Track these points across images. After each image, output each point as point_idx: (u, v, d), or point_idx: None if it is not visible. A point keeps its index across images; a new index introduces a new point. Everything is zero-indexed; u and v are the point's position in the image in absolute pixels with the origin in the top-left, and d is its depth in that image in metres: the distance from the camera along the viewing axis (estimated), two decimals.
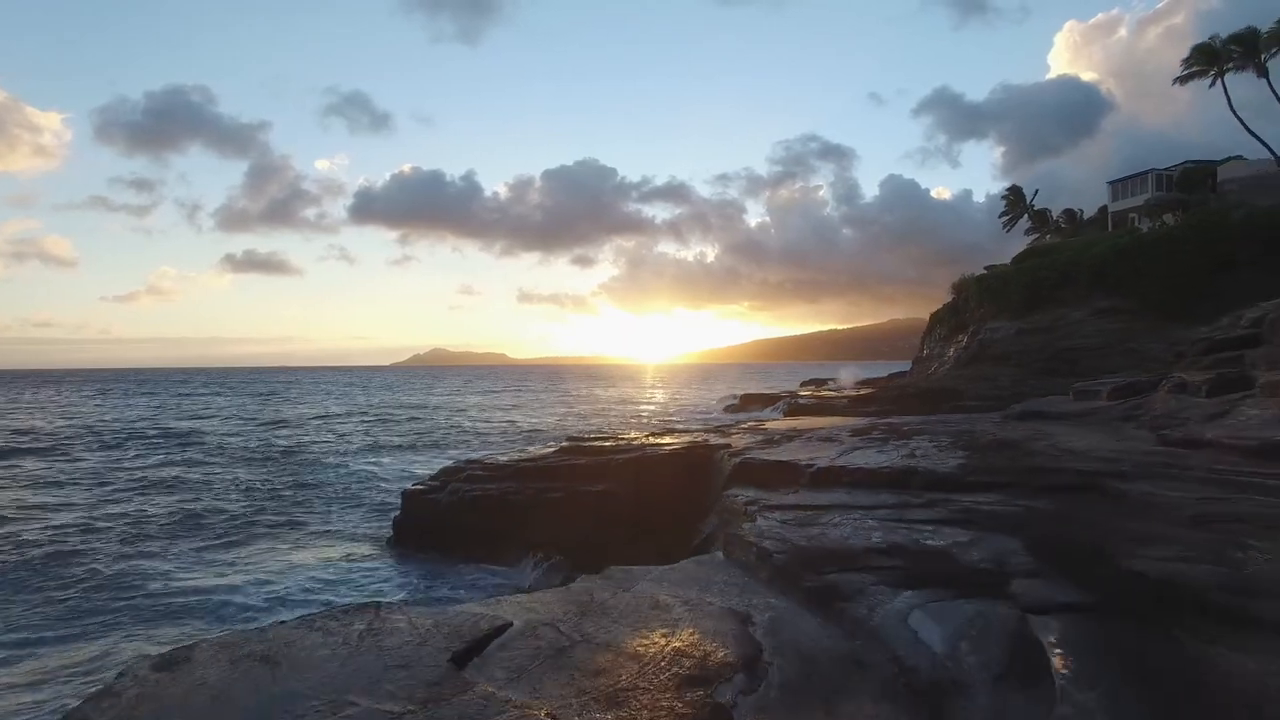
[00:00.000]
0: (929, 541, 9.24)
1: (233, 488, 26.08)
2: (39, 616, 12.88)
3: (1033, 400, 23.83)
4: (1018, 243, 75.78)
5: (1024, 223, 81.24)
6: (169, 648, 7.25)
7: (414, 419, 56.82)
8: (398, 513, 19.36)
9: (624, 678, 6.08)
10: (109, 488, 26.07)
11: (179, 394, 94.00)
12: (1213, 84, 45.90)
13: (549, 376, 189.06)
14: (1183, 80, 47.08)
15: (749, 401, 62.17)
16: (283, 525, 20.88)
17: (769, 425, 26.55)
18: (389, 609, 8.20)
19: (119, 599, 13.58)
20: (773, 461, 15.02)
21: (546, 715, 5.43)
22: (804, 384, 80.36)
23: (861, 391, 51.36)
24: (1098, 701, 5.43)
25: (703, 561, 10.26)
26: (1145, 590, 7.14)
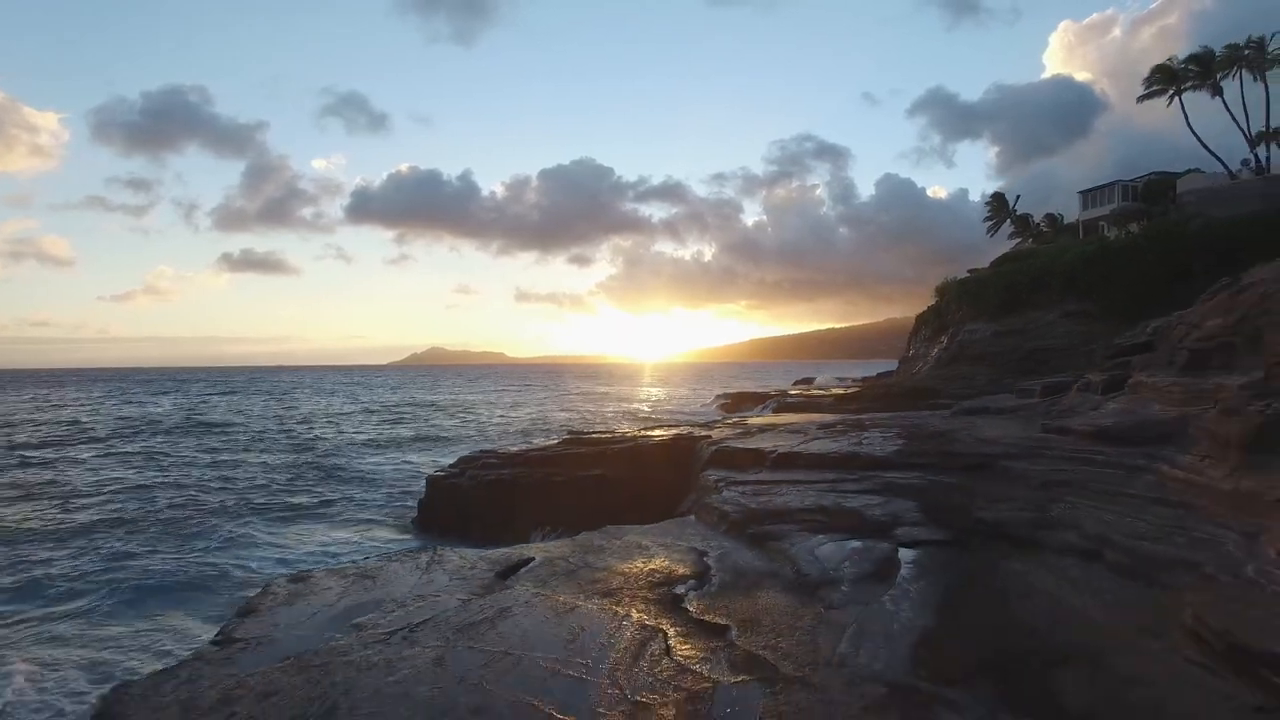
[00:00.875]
0: (848, 504, 12.19)
1: (267, 477, 28.98)
2: (168, 558, 15.87)
3: (984, 398, 26.79)
4: (1011, 243, 78.61)
5: (1007, 227, 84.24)
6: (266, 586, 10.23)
7: (423, 416, 59.74)
8: (422, 495, 22.25)
9: (614, 583, 9.05)
10: (171, 473, 29.03)
11: (198, 394, 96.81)
12: (1170, 103, 48.84)
13: (548, 376, 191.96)
14: (1143, 99, 50.03)
15: (741, 400, 64.99)
16: (319, 509, 23.76)
17: (751, 420, 29.53)
18: (443, 549, 11.19)
19: (209, 560, 16.45)
20: (743, 449, 17.96)
21: (561, 599, 8.41)
22: (796, 383, 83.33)
23: (848, 390, 54.27)
24: (920, 587, 8.42)
25: (677, 521, 13.23)
26: (983, 531, 10.14)
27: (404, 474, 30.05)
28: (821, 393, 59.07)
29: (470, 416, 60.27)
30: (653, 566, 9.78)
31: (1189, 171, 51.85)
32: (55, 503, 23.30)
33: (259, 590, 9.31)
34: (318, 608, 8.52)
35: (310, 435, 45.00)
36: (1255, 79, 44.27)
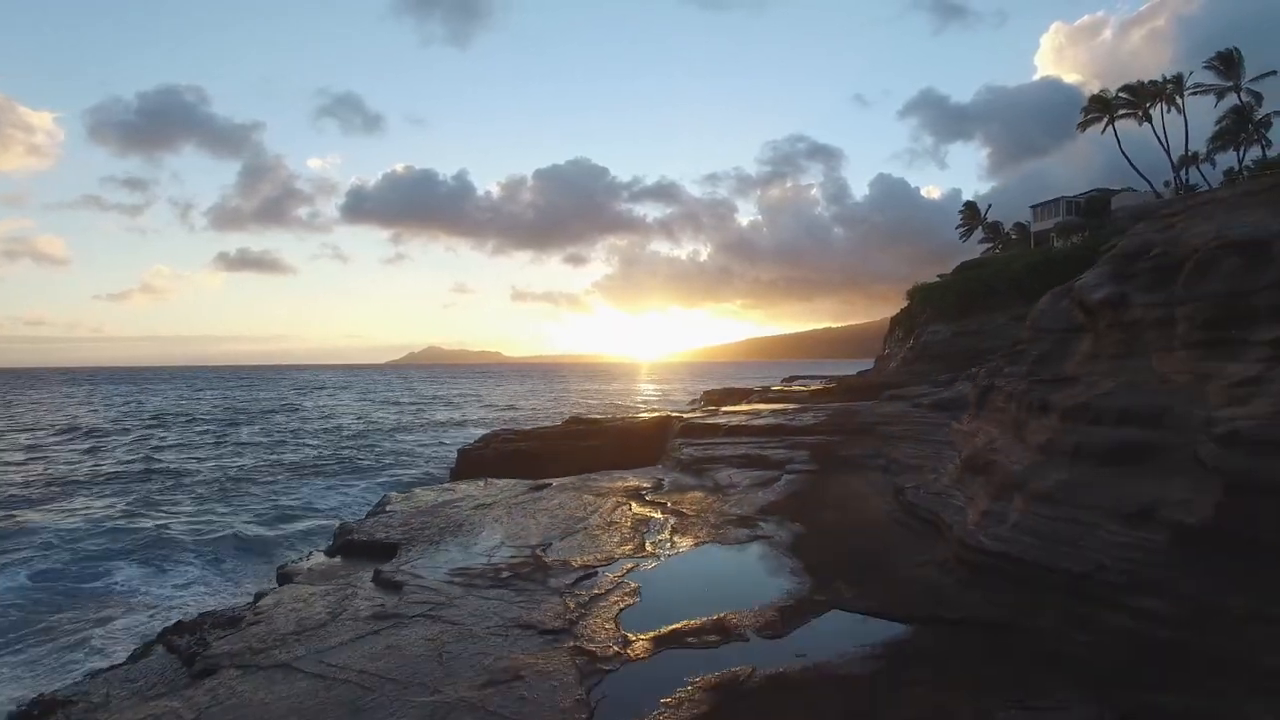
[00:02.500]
0: (763, 453, 18.08)
1: (329, 452, 34.83)
2: (268, 505, 21.67)
3: (908, 389, 32.63)
4: (982, 249, 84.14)
5: (979, 233, 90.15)
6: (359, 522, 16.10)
7: (438, 407, 65.68)
8: (453, 464, 28.02)
9: (604, 490, 14.97)
10: (256, 451, 34.86)
11: (221, 390, 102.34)
12: (1104, 130, 54.72)
13: (547, 374, 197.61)
14: (1082, 126, 55.91)
15: (727, 395, 70.77)
16: (380, 470, 29.61)
17: (723, 408, 35.32)
18: (491, 479, 17.04)
19: (292, 510, 22.20)
20: (704, 423, 23.87)
21: (573, 496, 14.28)
22: (785, 380, 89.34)
23: (824, 386, 60.10)
24: (782, 488, 14.29)
25: (650, 467, 19.12)
26: (839, 463, 16.01)
27: (435, 450, 35.88)
28: (800, 389, 65.05)
29: (480, 408, 66.13)
30: (628, 484, 15.68)
31: (1123, 190, 57.82)
32: (220, 471, 29.05)
33: (380, 499, 15.20)
34: (423, 501, 14.40)
35: (349, 422, 50.84)
36: (1169, 110, 50.16)
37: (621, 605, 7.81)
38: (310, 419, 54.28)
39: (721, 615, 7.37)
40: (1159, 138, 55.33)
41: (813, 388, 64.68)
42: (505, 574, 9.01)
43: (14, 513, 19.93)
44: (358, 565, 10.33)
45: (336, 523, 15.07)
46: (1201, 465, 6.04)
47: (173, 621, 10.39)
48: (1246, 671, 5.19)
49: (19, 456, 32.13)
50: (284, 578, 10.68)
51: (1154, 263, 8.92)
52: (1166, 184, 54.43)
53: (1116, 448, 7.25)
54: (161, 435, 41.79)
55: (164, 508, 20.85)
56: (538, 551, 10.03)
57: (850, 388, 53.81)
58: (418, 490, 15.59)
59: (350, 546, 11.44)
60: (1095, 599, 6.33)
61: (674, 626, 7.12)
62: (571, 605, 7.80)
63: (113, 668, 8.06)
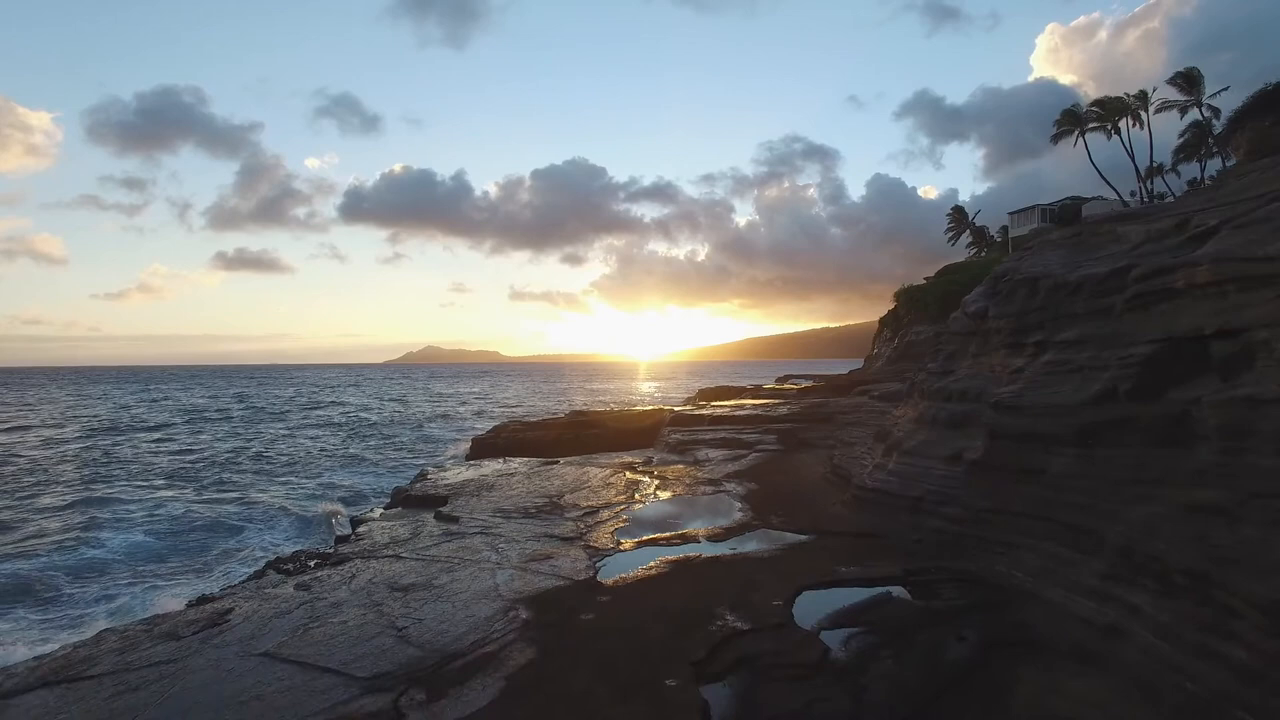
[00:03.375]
0: (738, 437, 21.44)
1: (354, 441, 38.21)
2: (318, 483, 24.99)
3: (876, 385, 35.99)
4: (968, 252, 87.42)
5: (966, 237, 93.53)
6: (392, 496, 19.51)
7: (451, 403, 69.15)
8: (468, 449, 31.34)
9: (603, 465, 18.40)
10: (304, 441, 38.21)
11: (232, 389, 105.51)
12: (1075, 143, 58.19)
13: (547, 373, 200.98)
14: (1055, 139, 59.37)
15: (721, 393, 74.27)
16: (399, 457, 32.97)
17: (715, 400, 38.66)
18: (508, 458, 20.39)
19: (341, 485, 25.53)
20: (692, 414, 27.25)
21: (579, 468, 17.66)
22: (778, 379, 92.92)
23: (812, 384, 63.52)
24: (749, 462, 17.65)
25: (643, 449, 22.47)
26: (801, 444, 19.36)
27: (453, 438, 39.32)
28: (790, 386, 68.46)
29: (487, 404, 69.56)
30: (624, 461, 19.06)
31: (1094, 198, 61.24)
32: (293, 450, 32.40)
33: (417, 472, 18.55)
34: (455, 472, 17.76)
35: (367, 417, 54.27)
36: (1134, 124, 53.68)
37: (616, 526, 11.18)
38: (334, 414, 57.62)
39: (684, 531, 10.76)
40: (1126, 150, 58.94)
41: (802, 385, 68.24)
42: (532, 511, 12.39)
43: (112, 490, 23.24)
44: (417, 512, 13.69)
45: (385, 495, 18.43)
46: (983, 423, 9.42)
47: (273, 556, 13.73)
48: (996, 546, 8.55)
49: (78, 448, 35.39)
50: (357, 522, 14.04)
51: (1005, 286, 12.32)
52: (1132, 194, 57.95)
53: (951, 416, 10.64)
54: (209, 429, 45.14)
55: (235, 487, 24.11)
56: (554, 499, 13.42)
57: (836, 386, 57.33)
58: (448, 465, 18.96)
59: (408, 500, 14.81)
60: (923, 512, 9.72)
61: (651, 536, 10.50)
62: (581, 526, 11.17)
63: (241, 583, 11.22)
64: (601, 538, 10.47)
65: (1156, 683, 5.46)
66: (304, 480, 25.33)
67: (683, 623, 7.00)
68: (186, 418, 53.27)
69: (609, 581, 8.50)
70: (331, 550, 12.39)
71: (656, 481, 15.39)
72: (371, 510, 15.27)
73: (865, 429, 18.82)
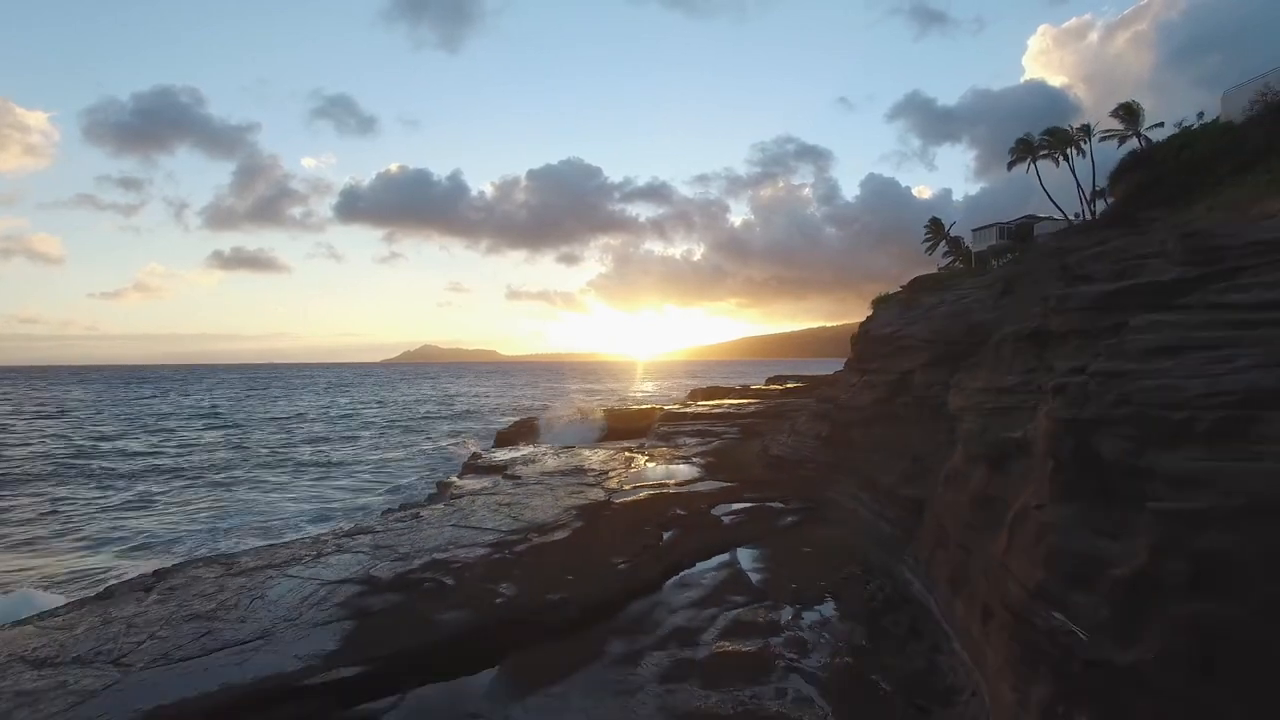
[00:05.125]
0: (710, 429, 28.35)
1: (404, 430, 45.03)
2: (325, 469, 31.81)
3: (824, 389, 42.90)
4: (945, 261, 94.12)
5: (943, 247, 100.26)
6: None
7: (467, 400, 76.16)
8: (493, 441, 38.24)
9: (609, 449, 25.24)
10: (356, 430, 44.91)
11: (265, 386, 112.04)
12: (1028, 170, 65.15)
13: (546, 372, 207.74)
14: (1010, 165, 66.33)
15: (713, 393, 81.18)
16: (440, 443, 39.78)
17: (705, 399, 45.52)
18: (536, 445, 27.31)
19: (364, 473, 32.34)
20: (679, 411, 34.19)
21: (594, 449, 24.61)
22: (768, 379, 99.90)
23: (800, 385, 70.36)
24: (714, 447, 24.56)
25: (638, 440, 29.43)
26: (757, 433, 26.23)
27: (481, 430, 46.18)
28: (775, 387, 75.26)
29: (498, 400, 76.52)
30: (624, 446, 25.99)
31: (1046, 218, 68.24)
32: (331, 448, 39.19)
33: (470, 454, 25.46)
34: (502, 455, 24.63)
35: (390, 414, 61.12)
36: (1077, 154, 60.67)
37: (619, 480, 18.09)
38: (365, 412, 64.50)
39: (661, 482, 17.70)
40: (1074, 175, 66.01)
41: (788, 385, 74.90)
42: (565, 472, 19.31)
43: (255, 476, 30.16)
44: (486, 475, 20.54)
45: (456, 468, 25.38)
46: (829, 416, 16.40)
47: (385, 509, 20.64)
48: (828, 484, 15.43)
49: (176, 446, 42.19)
50: (443, 485, 20.87)
51: (862, 333, 19.22)
52: (1076, 215, 65.10)
53: (817, 411, 17.56)
54: (265, 430, 52.07)
55: (326, 476, 31.00)
56: (578, 467, 20.32)
57: (814, 386, 63.80)
58: (494, 448, 25.85)
59: (476, 469, 21.71)
60: (799, 466, 16.65)
61: (642, 484, 17.42)
62: (598, 479, 18.10)
63: (418, 503, 18.11)
64: (611, 484, 17.37)
65: (867, 530, 12.32)
66: (363, 469, 32.26)
67: (652, 512, 13.94)
68: (238, 419, 59.97)
69: (616, 502, 15.39)
70: (449, 495, 19.36)
71: (646, 457, 22.26)
72: (449, 477, 22.17)
73: (796, 422, 25.73)
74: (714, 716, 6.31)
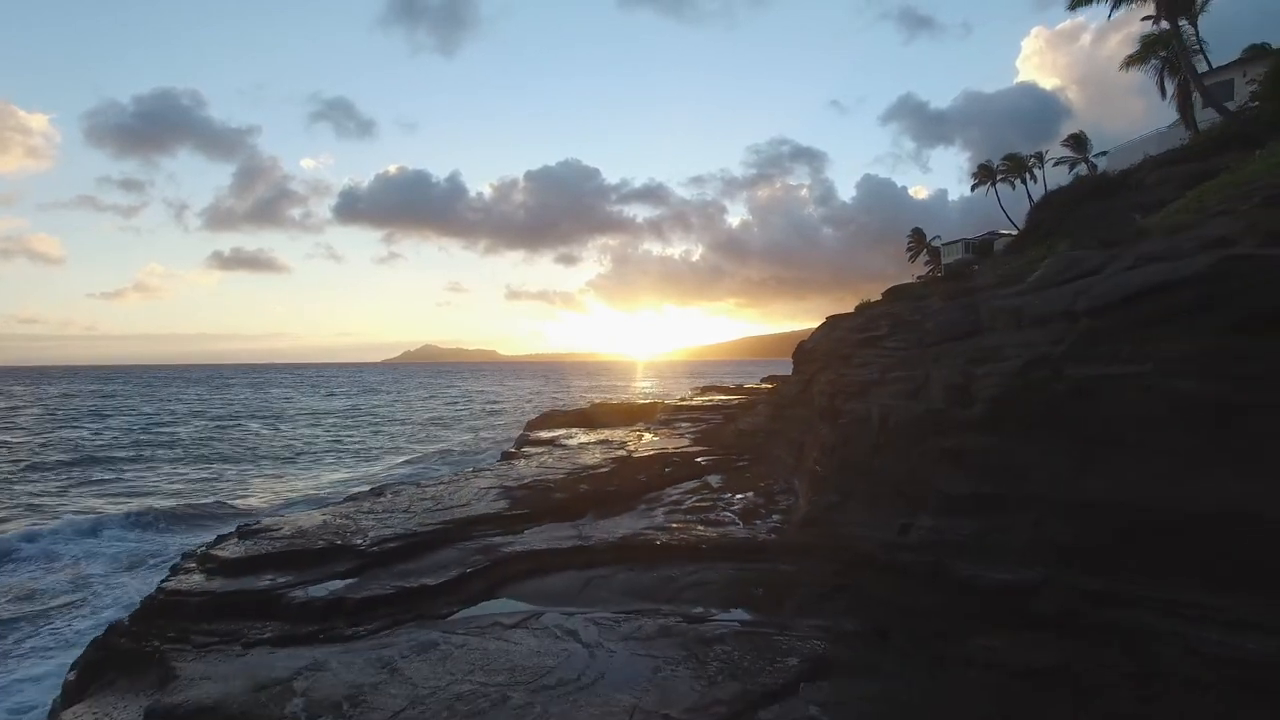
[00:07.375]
0: (701, 417, 36.62)
1: (404, 432, 53.12)
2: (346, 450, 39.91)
3: None
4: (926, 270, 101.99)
5: (924, 256, 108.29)
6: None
7: (482, 399, 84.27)
8: (524, 429, 46.38)
9: (617, 430, 33.52)
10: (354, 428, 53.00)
11: (280, 385, 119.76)
12: (988, 192, 73.34)
13: (547, 372, 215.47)
14: (973, 187, 74.45)
15: (711, 391, 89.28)
16: (474, 434, 47.97)
17: (698, 397, 53.82)
18: (568, 430, 35.57)
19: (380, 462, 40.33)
20: (677, 404, 42.46)
21: (601, 431, 32.91)
22: (763, 379, 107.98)
23: (775, 384, 78.50)
24: (706, 428, 32.80)
25: (644, 422, 37.74)
26: (734, 419, 34.44)
27: (513, 420, 54.40)
28: (768, 385, 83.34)
29: (513, 398, 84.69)
30: (632, 428, 34.19)
31: (1007, 234, 76.35)
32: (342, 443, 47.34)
33: (519, 435, 33.68)
34: (545, 434, 32.89)
35: (414, 413, 69.19)
36: (1031, 179, 68.97)
37: (631, 448, 26.31)
38: (395, 410, 72.58)
39: (662, 447, 25.95)
40: (1029, 197, 74.19)
41: (775, 384, 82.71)
42: (597, 444, 27.56)
43: (285, 469, 38.29)
44: (540, 446, 28.72)
45: (510, 444, 33.60)
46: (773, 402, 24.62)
47: (499, 454, 28.87)
48: (773, 447, 23.63)
49: (235, 446, 50.29)
50: (507, 454, 29.06)
51: (800, 349, 27.47)
52: None
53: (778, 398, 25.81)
54: (308, 427, 60.11)
55: (427, 455, 39.18)
56: (602, 441, 28.52)
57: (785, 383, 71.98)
58: (538, 430, 34.19)
59: (529, 442, 29.94)
60: (758, 436, 24.89)
61: (650, 449, 25.65)
62: (621, 446, 26.33)
63: (488, 465, 26.34)
64: (630, 448, 25.60)
65: (783, 465, 20.50)
66: (411, 451, 40.48)
67: (658, 460, 22.18)
68: (275, 418, 68.02)
69: (635, 456, 23.59)
70: (519, 457, 27.60)
71: (653, 434, 30.43)
72: (511, 447, 30.38)
73: (758, 407, 33.94)
74: (688, 523, 14.58)
